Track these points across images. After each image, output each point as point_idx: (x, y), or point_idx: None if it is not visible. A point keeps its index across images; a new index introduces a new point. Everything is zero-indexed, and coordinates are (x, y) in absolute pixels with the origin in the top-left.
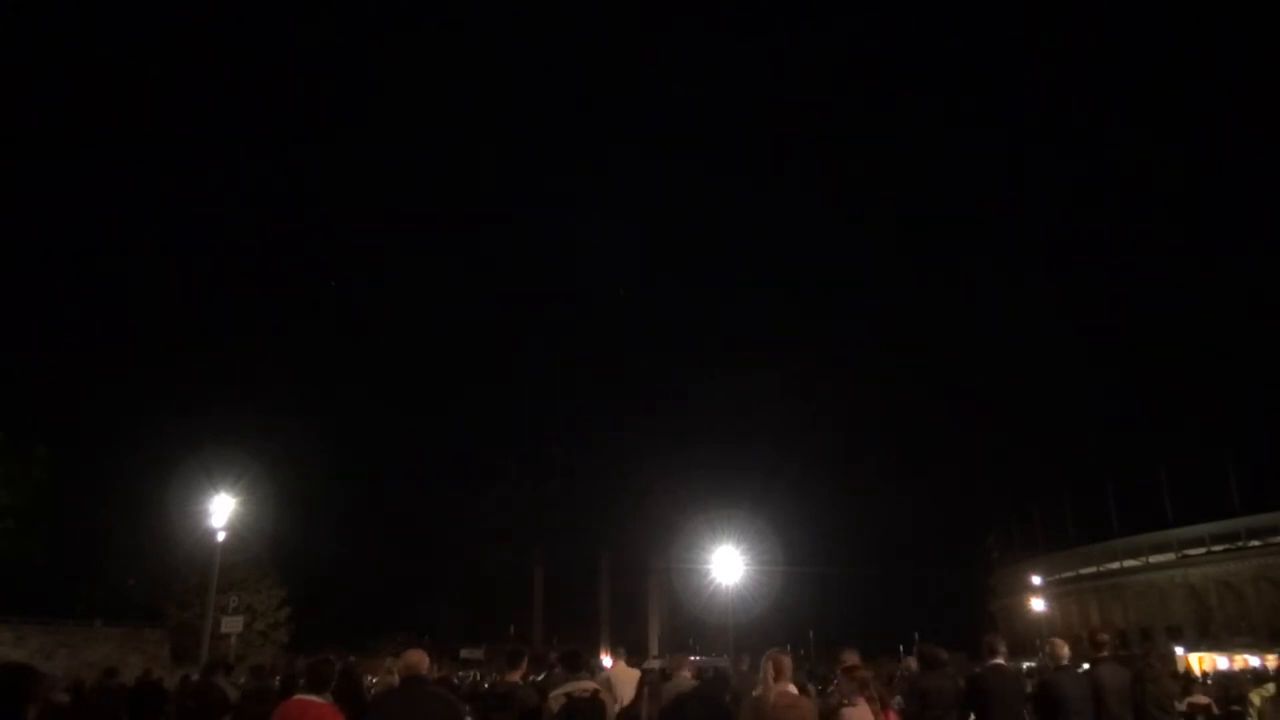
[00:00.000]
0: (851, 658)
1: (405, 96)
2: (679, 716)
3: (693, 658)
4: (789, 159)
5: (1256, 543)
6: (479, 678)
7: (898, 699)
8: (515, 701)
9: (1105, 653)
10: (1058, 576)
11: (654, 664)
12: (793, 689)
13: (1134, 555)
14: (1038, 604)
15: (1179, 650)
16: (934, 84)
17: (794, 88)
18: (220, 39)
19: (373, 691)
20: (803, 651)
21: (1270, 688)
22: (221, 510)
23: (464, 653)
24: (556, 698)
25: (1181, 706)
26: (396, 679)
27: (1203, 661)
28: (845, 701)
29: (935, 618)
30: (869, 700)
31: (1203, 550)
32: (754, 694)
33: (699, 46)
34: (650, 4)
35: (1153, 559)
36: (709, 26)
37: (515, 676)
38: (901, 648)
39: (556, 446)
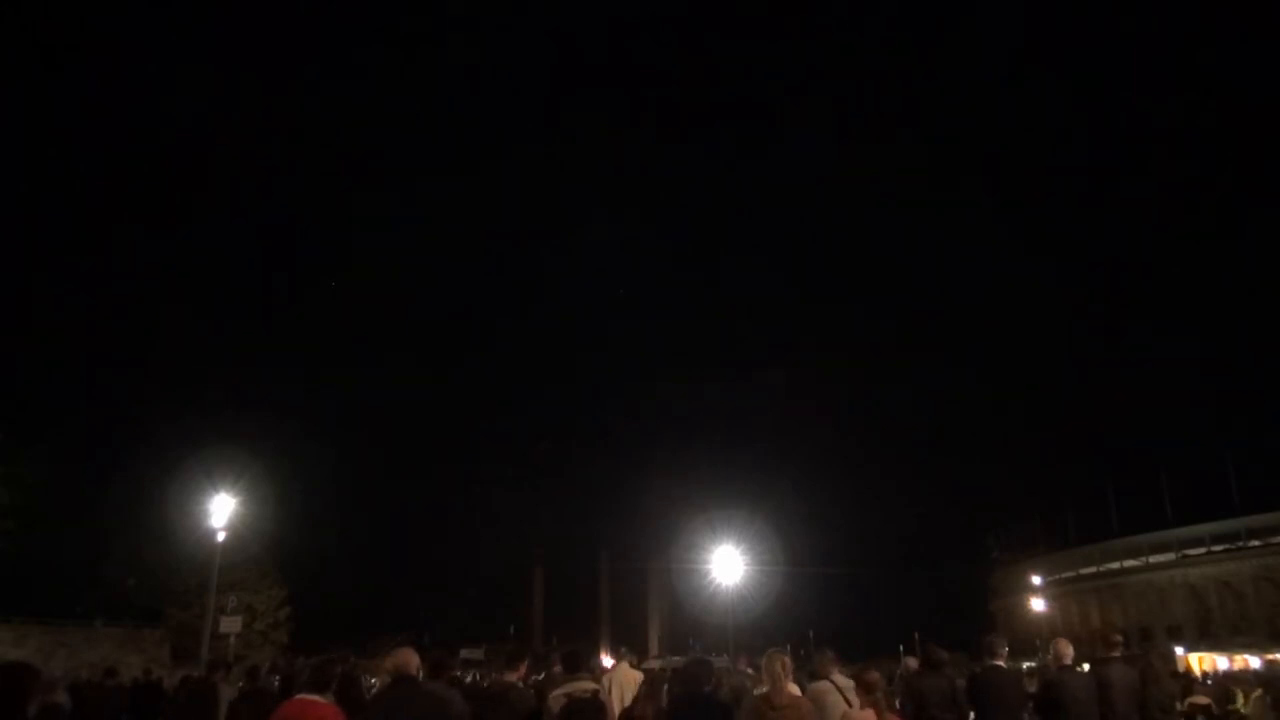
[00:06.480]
0: (828, 658)
1: (403, 97)
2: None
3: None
4: (790, 159)
5: (1256, 543)
6: (479, 677)
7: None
8: (508, 704)
9: (1118, 653)
10: (1058, 576)
11: (654, 664)
12: (794, 689)
13: (1134, 555)
14: (1038, 604)
15: (1179, 650)
16: (935, 77)
17: (795, 82)
18: (213, 30)
19: (372, 692)
20: (803, 652)
21: (1257, 691)
22: (221, 510)
23: (464, 653)
24: (557, 698)
25: (1182, 706)
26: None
27: (1203, 661)
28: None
29: (935, 618)
30: (874, 706)
31: (1203, 550)
32: (756, 693)
33: (698, 43)
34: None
35: (1153, 559)
36: (706, 18)
37: (513, 677)
38: (902, 648)
39: (556, 446)
